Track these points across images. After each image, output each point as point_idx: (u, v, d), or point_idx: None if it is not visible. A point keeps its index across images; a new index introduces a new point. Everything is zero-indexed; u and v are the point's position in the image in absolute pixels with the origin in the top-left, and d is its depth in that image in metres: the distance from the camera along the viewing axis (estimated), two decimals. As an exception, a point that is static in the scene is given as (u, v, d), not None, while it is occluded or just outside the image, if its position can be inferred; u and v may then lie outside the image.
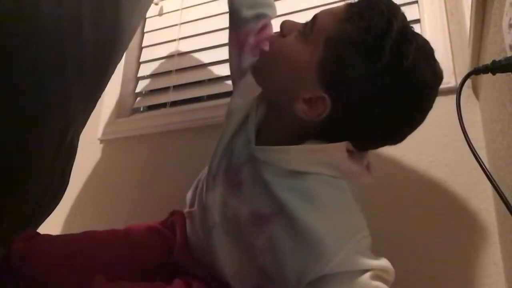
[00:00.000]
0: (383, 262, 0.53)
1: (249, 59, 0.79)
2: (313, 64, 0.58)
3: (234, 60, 0.82)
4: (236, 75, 0.82)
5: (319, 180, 0.58)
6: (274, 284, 0.61)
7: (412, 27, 0.58)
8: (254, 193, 0.62)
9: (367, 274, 0.51)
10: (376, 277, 0.51)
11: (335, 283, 0.52)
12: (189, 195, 0.82)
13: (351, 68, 0.56)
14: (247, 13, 0.80)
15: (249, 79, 0.74)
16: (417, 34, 0.57)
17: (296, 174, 0.59)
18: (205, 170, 0.79)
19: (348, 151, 0.60)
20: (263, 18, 0.81)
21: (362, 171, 0.62)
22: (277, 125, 0.65)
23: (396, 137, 0.62)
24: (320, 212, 0.56)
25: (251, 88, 0.71)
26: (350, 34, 0.55)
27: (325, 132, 0.60)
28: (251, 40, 0.79)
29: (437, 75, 0.58)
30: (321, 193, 0.58)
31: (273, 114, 0.67)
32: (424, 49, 0.57)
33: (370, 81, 0.55)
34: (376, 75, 0.54)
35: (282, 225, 0.57)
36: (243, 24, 0.81)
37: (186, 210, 0.79)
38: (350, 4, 0.59)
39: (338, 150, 0.59)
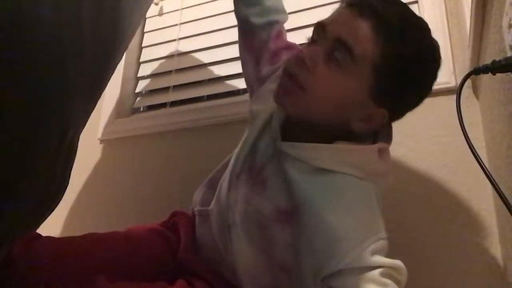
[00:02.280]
0: (396, 261, 0.55)
1: (267, 67, 0.79)
2: (364, 90, 0.59)
3: (250, 68, 0.82)
4: (254, 82, 0.82)
5: (344, 180, 0.60)
6: (292, 281, 0.63)
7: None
8: (278, 189, 0.64)
9: (377, 271, 0.53)
10: (386, 275, 0.53)
11: (347, 276, 0.54)
12: (199, 194, 0.82)
13: (405, 80, 0.60)
14: (258, 21, 0.80)
15: (270, 85, 0.75)
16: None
17: (323, 171, 0.61)
18: (217, 169, 0.80)
19: (379, 150, 0.62)
20: (276, 24, 0.81)
21: (388, 171, 0.65)
22: (301, 127, 0.65)
23: (411, 108, 0.66)
24: (341, 210, 0.58)
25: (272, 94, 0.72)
26: (397, 53, 0.58)
27: (359, 133, 0.62)
28: (271, 47, 0.79)
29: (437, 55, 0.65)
30: (344, 192, 0.60)
31: (293, 122, 0.66)
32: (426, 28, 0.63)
33: (421, 87, 0.62)
34: (426, 80, 0.62)
35: (304, 220, 0.59)
36: (256, 33, 0.80)
37: (196, 208, 0.79)
38: (377, 24, 0.58)
39: (370, 151, 0.62)
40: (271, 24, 0.80)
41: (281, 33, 0.82)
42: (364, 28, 0.58)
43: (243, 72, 0.85)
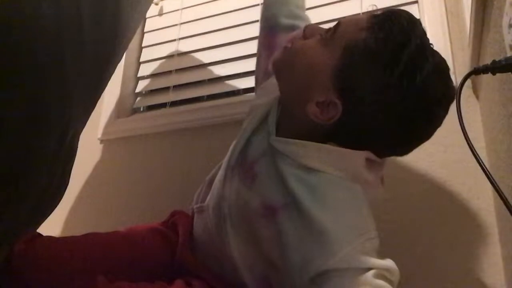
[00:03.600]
0: (388, 262, 0.54)
1: None
2: (329, 68, 0.60)
3: (263, 62, 0.84)
4: (262, 75, 0.83)
5: (330, 180, 0.60)
6: (280, 274, 0.63)
7: (431, 44, 0.60)
8: (267, 184, 0.64)
9: (370, 273, 0.52)
10: (379, 276, 0.52)
11: (338, 279, 0.53)
12: (199, 191, 0.83)
13: (365, 77, 0.58)
14: (285, 21, 0.82)
15: (274, 80, 0.76)
16: (434, 51, 0.60)
17: (310, 170, 0.61)
18: (216, 167, 0.80)
19: (369, 160, 0.61)
20: (297, 29, 0.82)
21: (376, 182, 0.63)
22: (291, 124, 0.67)
23: (402, 149, 0.64)
24: (328, 209, 0.57)
25: (275, 88, 0.73)
26: (368, 44, 0.58)
27: (336, 136, 0.62)
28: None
29: (449, 94, 0.60)
30: (329, 192, 0.59)
31: (287, 114, 0.69)
32: (440, 66, 0.59)
33: (382, 91, 0.57)
34: (389, 86, 0.57)
35: (291, 217, 0.59)
36: (280, 31, 0.82)
37: (197, 205, 0.80)
38: (373, 15, 0.61)
39: (356, 157, 0.61)
40: (294, 28, 0.82)
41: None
42: (362, 18, 0.62)
43: (256, 64, 0.87)
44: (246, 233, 0.66)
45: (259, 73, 0.85)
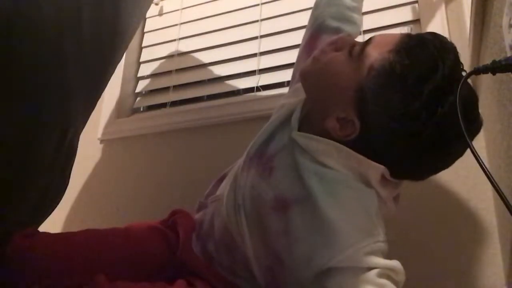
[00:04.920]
0: (393, 262, 0.54)
1: None
2: (353, 86, 0.59)
3: (302, 61, 0.82)
4: (297, 79, 0.81)
5: (344, 180, 0.61)
6: (284, 269, 0.63)
7: (461, 71, 0.58)
8: (283, 178, 0.64)
9: (374, 271, 0.52)
10: (383, 276, 0.52)
11: (341, 276, 0.53)
12: (214, 187, 0.84)
13: (385, 102, 0.57)
14: (331, 23, 0.80)
15: None
16: (464, 82, 0.56)
17: (327, 168, 0.61)
18: (231, 166, 0.82)
19: (384, 178, 0.61)
20: (343, 33, 0.80)
21: (389, 201, 0.64)
22: (311, 128, 0.67)
23: (415, 176, 0.64)
24: (340, 207, 0.58)
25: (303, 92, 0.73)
26: (393, 68, 0.56)
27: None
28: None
29: (472, 129, 0.58)
30: (343, 191, 0.60)
31: (309, 119, 0.69)
32: (466, 100, 0.55)
33: (400, 119, 0.56)
34: (407, 115, 0.56)
35: (302, 211, 0.60)
36: (324, 33, 0.80)
37: (212, 196, 0.81)
38: (405, 36, 0.59)
39: (373, 169, 0.60)
40: (339, 31, 0.79)
41: None
42: (393, 38, 0.59)
43: (295, 65, 0.86)
44: (256, 224, 0.67)
45: (295, 75, 0.84)
